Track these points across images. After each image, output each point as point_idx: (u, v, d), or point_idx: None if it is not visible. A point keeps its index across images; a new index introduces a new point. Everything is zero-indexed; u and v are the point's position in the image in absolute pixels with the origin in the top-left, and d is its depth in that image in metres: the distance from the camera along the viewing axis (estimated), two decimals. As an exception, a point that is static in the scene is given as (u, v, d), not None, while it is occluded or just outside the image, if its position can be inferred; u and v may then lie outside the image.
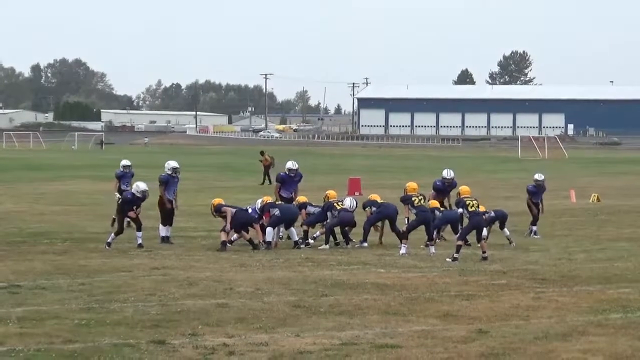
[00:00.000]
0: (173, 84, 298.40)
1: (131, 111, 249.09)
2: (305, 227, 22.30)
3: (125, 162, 27.34)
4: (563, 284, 16.64)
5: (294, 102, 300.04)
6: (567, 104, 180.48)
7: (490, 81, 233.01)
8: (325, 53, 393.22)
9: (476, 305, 14.41)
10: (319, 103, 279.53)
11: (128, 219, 21.91)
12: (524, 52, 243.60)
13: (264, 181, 47.27)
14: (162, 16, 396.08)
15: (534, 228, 24.60)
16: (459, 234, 20.54)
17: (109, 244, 21.28)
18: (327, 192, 23.05)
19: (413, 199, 21.05)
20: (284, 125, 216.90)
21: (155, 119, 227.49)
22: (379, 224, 22.49)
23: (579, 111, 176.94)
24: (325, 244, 21.77)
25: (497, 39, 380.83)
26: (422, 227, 21.04)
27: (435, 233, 21.59)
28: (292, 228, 22.08)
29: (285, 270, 18.03)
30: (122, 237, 21.66)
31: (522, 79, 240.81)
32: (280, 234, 22.58)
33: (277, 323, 13.00)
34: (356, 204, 22.51)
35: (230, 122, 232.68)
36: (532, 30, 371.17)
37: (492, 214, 22.52)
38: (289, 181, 23.77)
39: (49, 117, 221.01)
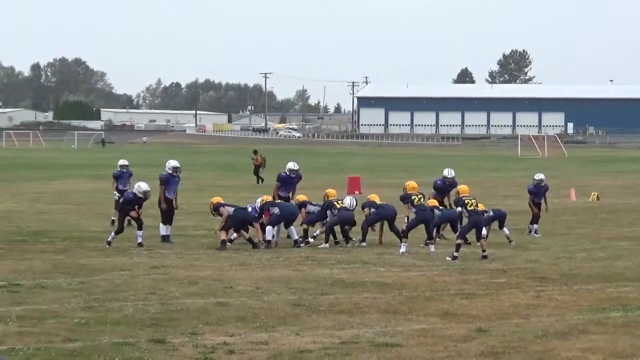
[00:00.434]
0: (173, 83, 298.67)
1: (131, 110, 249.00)
2: (305, 226, 22.31)
3: (122, 162, 27.33)
4: (563, 282, 16.64)
5: (294, 101, 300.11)
6: (567, 102, 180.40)
7: (490, 80, 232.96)
8: (325, 52, 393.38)
9: (476, 304, 14.41)
10: (319, 102, 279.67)
11: (129, 218, 21.93)
12: (523, 51, 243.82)
13: (253, 180, 47.42)
14: (162, 15, 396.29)
15: (535, 227, 24.59)
16: (458, 233, 20.54)
17: (109, 243, 21.29)
18: (327, 191, 23.06)
19: (413, 197, 21.04)
20: (283, 125, 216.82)
21: (155, 118, 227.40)
22: (377, 225, 22.50)
23: (578, 110, 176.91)
24: (325, 243, 21.77)
25: (496, 38, 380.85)
26: (422, 226, 21.04)
27: (435, 232, 21.59)
28: (292, 227, 22.08)
29: (285, 269, 18.04)
30: (122, 236, 21.65)
31: (521, 77, 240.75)
32: (280, 235, 22.56)
33: (277, 322, 12.99)
34: (356, 202, 22.52)
35: (229, 121, 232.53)
36: (532, 29, 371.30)
37: (491, 213, 22.53)
38: (288, 181, 23.83)
39: (49, 116, 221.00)
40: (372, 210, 22.22)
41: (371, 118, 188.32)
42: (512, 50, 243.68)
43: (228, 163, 73.30)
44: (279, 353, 11.23)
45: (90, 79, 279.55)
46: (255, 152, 50.11)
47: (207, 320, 12.99)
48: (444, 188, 24.17)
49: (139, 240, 21.28)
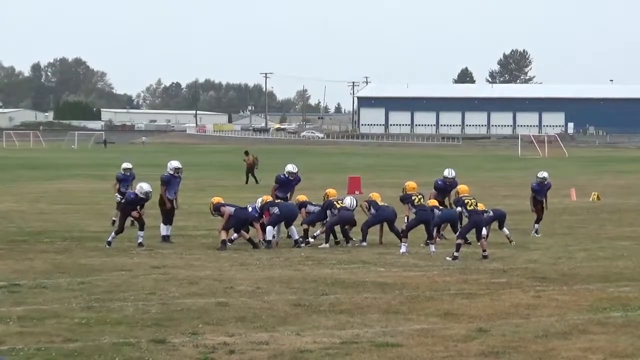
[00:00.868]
0: (173, 83, 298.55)
1: (131, 110, 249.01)
2: (305, 226, 22.32)
3: (126, 164, 27.22)
4: (563, 282, 16.64)
5: (294, 101, 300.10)
6: (567, 102, 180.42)
7: (490, 80, 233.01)
8: (325, 52, 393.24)
9: (476, 304, 14.41)
10: (319, 102, 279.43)
11: (131, 219, 21.96)
12: (524, 50, 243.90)
13: (251, 180, 47.44)
14: (162, 15, 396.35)
15: (536, 227, 24.59)
16: (458, 233, 20.54)
17: (109, 243, 21.30)
18: (327, 191, 23.08)
19: (413, 198, 21.05)
20: (282, 124, 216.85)
21: (155, 118, 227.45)
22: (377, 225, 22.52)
23: (579, 110, 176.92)
24: (326, 243, 21.78)
25: (497, 38, 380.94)
26: (422, 227, 21.04)
27: (435, 232, 21.60)
28: (292, 227, 22.09)
29: (286, 269, 18.04)
30: (123, 236, 21.66)
31: (522, 77, 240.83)
32: (280, 235, 22.57)
33: (278, 322, 12.99)
34: (356, 202, 22.52)
35: (230, 121, 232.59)
36: (532, 29, 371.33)
37: (491, 213, 22.53)
38: (287, 184, 23.83)
39: (49, 116, 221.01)
40: (372, 211, 22.22)
41: (371, 118, 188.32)
42: (512, 50, 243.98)
43: (228, 163, 73.27)
44: (280, 353, 11.23)
45: (91, 79, 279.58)
46: (246, 152, 50.19)
47: (208, 320, 12.98)
48: (444, 188, 24.21)
49: (140, 240, 21.29)
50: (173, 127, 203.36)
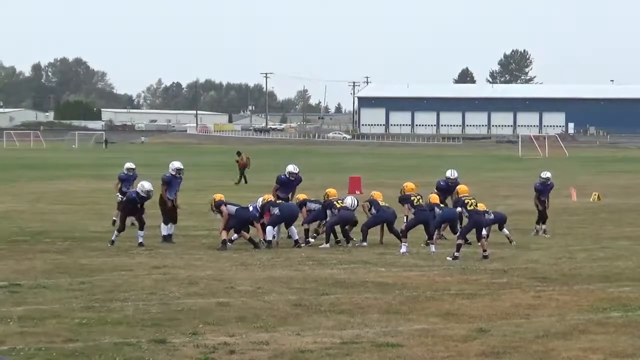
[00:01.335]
0: (173, 83, 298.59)
1: (132, 110, 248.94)
2: (306, 226, 22.32)
3: (129, 164, 27.21)
4: (564, 282, 16.64)
5: (295, 101, 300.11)
6: (568, 102, 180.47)
7: (490, 80, 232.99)
8: (326, 52, 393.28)
9: (477, 304, 14.41)
10: (320, 102, 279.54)
11: (132, 219, 21.98)
12: (524, 50, 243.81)
13: (242, 180, 47.47)
14: (162, 15, 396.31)
15: (544, 227, 24.58)
16: (459, 233, 20.55)
17: (112, 242, 21.39)
18: (327, 191, 23.08)
19: (412, 198, 21.07)
20: (285, 124, 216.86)
21: (156, 118, 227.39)
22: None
23: (579, 110, 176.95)
24: (326, 243, 21.78)
25: (497, 38, 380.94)
26: (422, 227, 21.04)
27: (435, 232, 21.59)
28: (292, 227, 22.09)
29: (286, 269, 18.04)
30: (124, 236, 21.68)
31: (522, 77, 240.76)
32: (280, 235, 22.56)
33: (278, 322, 13.00)
34: (357, 202, 22.52)
35: (230, 121, 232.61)
36: (533, 28, 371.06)
37: (492, 216, 22.49)
38: (288, 184, 23.84)
39: (50, 116, 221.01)
40: (373, 211, 22.23)
41: (372, 118, 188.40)
42: (512, 50, 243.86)
43: (228, 163, 73.21)
44: (280, 353, 11.24)
45: (91, 79, 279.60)
46: (238, 153, 50.24)
47: (208, 320, 12.99)
48: (446, 189, 24.24)
49: (140, 240, 21.30)
50: (173, 127, 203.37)
